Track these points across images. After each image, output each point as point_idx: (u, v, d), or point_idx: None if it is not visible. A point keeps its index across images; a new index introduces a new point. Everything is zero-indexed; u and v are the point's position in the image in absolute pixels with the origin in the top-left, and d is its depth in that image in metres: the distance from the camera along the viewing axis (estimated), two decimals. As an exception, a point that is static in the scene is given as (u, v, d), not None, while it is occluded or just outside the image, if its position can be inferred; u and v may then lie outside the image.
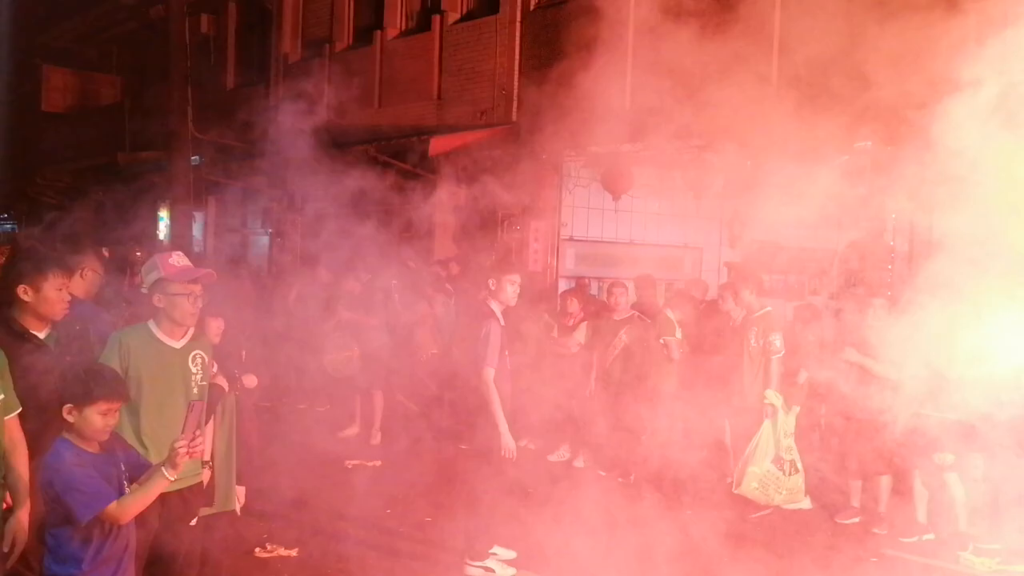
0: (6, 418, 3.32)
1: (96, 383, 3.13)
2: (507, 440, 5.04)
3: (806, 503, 6.51)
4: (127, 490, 3.17)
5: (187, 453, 3.12)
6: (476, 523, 5.25)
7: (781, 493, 6.26)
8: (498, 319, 5.19)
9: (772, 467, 6.22)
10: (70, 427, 3.10)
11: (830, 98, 6.96)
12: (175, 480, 3.25)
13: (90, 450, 3.13)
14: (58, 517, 3.10)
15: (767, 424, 6.28)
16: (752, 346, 6.59)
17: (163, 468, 3.14)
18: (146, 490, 3.17)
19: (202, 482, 4.11)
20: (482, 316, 5.22)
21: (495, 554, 5.30)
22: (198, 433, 3.19)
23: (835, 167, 9.08)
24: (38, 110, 18.68)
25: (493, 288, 5.26)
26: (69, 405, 3.09)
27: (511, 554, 5.34)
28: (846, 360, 6.06)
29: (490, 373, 5.04)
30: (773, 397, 6.34)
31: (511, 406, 5.22)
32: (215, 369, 4.25)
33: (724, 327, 6.99)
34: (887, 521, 6.13)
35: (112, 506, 3.08)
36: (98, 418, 3.09)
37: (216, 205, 16.69)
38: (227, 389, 4.60)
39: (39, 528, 3.30)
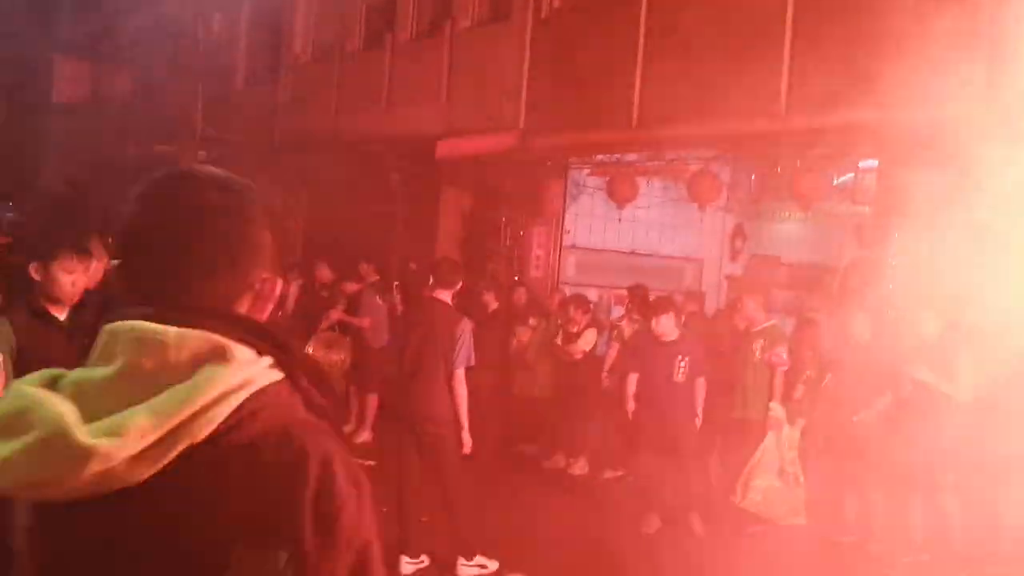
0: None
1: None
2: (467, 436, 5.25)
3: (801, 519, 6.48)
4: None
5: None
6: (469, 524, 5.29)
7: (783, 507, 6.24)
8: (469, 322, 5.33)
9: (776, 480, 6.21)
10: None
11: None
12: None
13: None
14: None
15: (771, 436, 6.27)
16: (757, 358, 6.57)
17: None
18: None
19: None
20: (454, 318, 5.29)
21: (484, 566, 5.32)
22: None
23: (839, 185, 9.14)
24: (48, 100, 18.70)
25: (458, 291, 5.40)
26: None
27: (494, 564, 5.36)
28: (915, 378, 5.75)
29: (462, 373, 5.17)
30: (778, 410, 6.32)
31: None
32: None
33: (727, 338, 6.99)
34: (882, 540, 6.10)
35: None
36: None
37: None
38: None
39: None
